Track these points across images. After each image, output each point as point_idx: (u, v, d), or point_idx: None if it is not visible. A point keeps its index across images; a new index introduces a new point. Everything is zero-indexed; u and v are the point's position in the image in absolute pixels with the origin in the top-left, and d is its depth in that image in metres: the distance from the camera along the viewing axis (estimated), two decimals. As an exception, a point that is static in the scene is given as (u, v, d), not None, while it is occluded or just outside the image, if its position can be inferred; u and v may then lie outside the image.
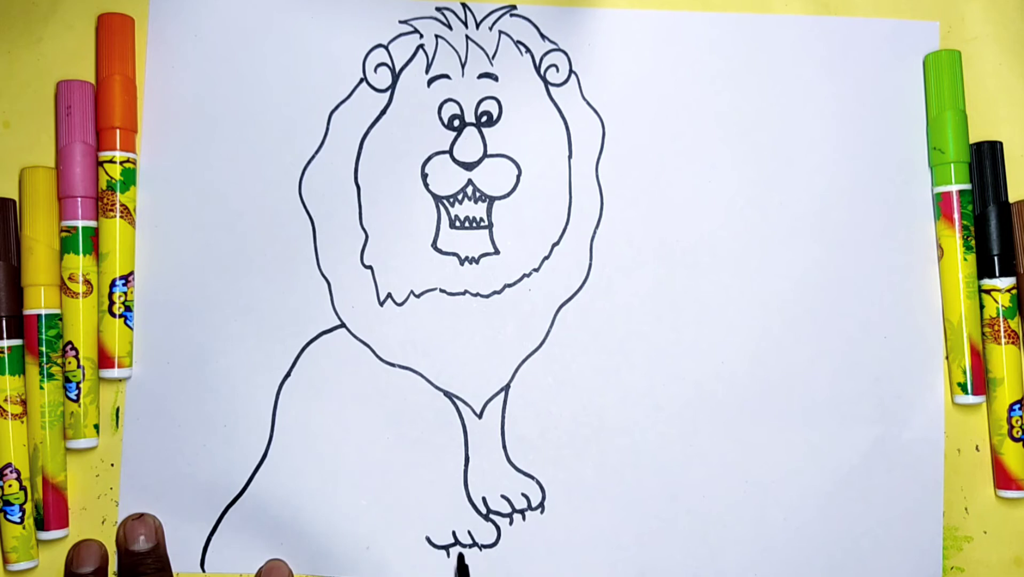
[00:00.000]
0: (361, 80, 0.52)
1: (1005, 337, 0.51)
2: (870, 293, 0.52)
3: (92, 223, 0.49)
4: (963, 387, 0.51)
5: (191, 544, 0.49)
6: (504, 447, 0.51)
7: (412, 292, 0.51)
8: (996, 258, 0.51)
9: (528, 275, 0.51)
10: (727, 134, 0.52)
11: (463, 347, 0.51)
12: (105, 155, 0.49)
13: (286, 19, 0.52)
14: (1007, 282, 0.51)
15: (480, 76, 0.52)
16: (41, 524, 0.48)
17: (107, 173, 0.49)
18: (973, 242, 0.51)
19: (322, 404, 0.50)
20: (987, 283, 0.51)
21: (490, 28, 0.52)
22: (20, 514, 0.48)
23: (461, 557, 0.49)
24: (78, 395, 0.49)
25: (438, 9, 0.52)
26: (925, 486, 0.51)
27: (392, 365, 0.50)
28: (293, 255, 0.51)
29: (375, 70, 0.52)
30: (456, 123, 0.51)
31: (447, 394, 0.51)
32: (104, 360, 0.49)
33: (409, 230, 0.51)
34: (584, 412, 0.51)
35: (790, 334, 0.51)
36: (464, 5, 0.52)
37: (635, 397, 0.51)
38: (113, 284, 0.49)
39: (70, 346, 0.49)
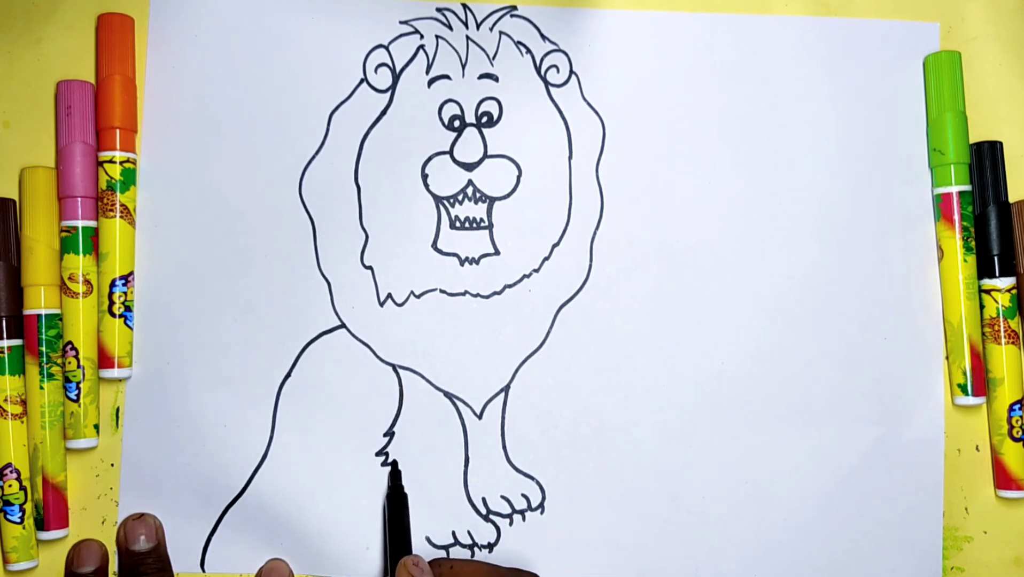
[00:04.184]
0: (361, 80, 0.52)
1: (1005, 337, 0.51)
2: (870, 294, 0.52)
3: (92, 223, 0.49)
4: (963, 388, 0.51)
5: (191, 544, 0.49)
6: (504, 447, 0.51)
7: (412, 292, 0.51)
8: (996, 258, 0.51)
9: (528, 276, 0.51)
10: (727, 134, 0.52)
11: (463, 348, 0.51)
12: (105, 155, 0.49)
13: (286, 19, 0.52)
14: (1007, 282, 0.51)
15: (480, 77, 0.52)
16: (41, 524, 0.48)
17: (107, 173, 0.49)
18: (973, 243, 0.51)
19: (322, 404, 0.50)
20: (987, 283, 0.51)
21: (491, 29, 0.52)
22: (20, 514, 0.48)
23: (395, 464, 0.50)
24: (78, 395, 0.49)
25: (439, 10, 0.52)
26: (925, 486, 0.51)
27: (392, 365, 0.50)
28: (293, 255, 0.51)
29: (375, 70, 0.52)
30: (456, 123, 0.51)
31: (447, 394, 0.51)
32: (104, 360, 0.49)
33: (409, 230, 0.51)
34: (584, 413, 0.51)
35: (790, 335, 0.51)
36: (465, 6, 0.52)
37: (635, 398, 0.51)
38: (113, 284, 0.49)
39: (70, 346, 0.49)
